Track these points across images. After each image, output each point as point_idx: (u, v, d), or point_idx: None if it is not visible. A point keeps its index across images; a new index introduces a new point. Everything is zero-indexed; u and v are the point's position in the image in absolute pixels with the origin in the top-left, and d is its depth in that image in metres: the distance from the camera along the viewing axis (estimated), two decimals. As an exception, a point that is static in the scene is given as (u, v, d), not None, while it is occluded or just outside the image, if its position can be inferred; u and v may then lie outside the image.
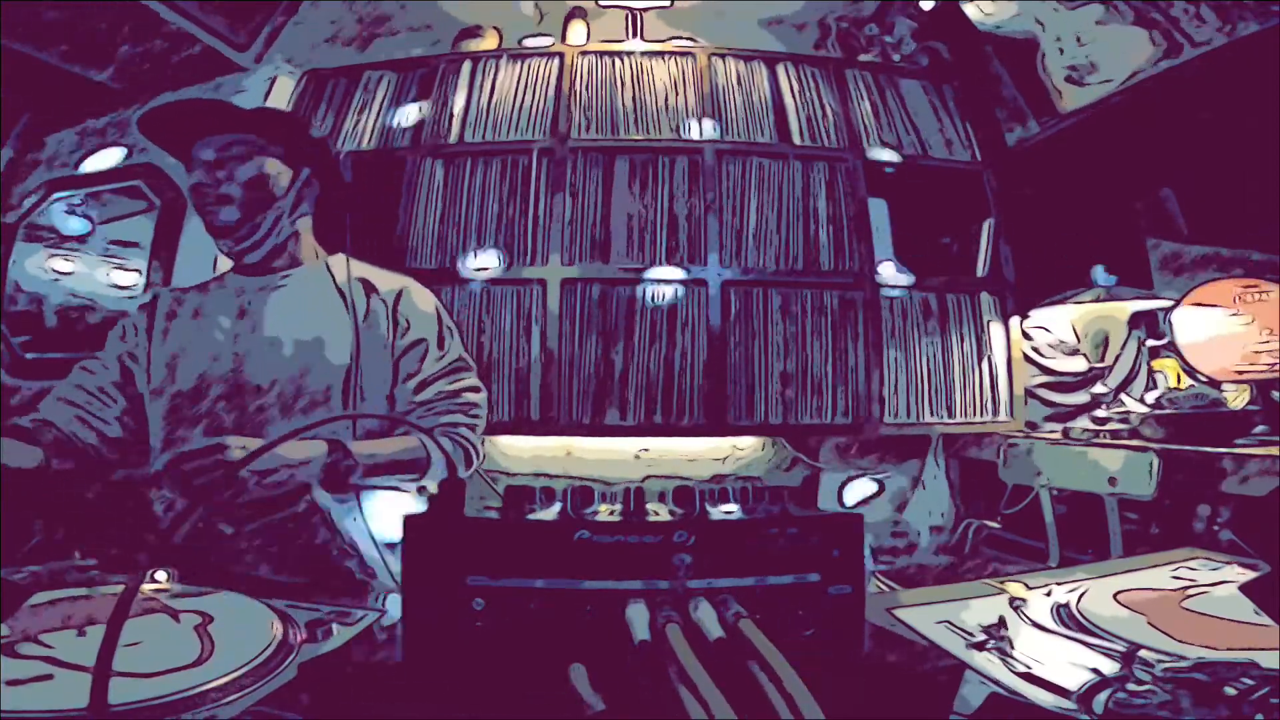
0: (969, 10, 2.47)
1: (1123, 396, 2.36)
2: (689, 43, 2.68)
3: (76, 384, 1.16)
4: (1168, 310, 2.20)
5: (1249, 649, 0.62)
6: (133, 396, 1.16)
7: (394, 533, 1.03)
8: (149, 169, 2.52)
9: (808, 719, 0.40)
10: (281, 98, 2.57)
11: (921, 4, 2.61)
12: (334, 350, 1.15)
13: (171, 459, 0.94)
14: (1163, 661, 0.61)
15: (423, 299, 1.25)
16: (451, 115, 2.48)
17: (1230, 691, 0.55)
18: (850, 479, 2.41)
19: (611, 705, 0.44)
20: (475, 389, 1.23)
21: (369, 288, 1.21)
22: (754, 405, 2.31)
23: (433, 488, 1.18)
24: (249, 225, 1.16)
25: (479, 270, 2.32)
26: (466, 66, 2.57)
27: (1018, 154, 2.57)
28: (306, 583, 1.05)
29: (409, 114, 2.50)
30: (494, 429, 2.32)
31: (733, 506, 0.63)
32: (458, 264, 2.34)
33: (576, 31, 2.74)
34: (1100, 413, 2.33)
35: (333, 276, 1.21)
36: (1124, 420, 2.21)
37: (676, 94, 2.51)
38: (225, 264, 1.28)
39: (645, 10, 2.73)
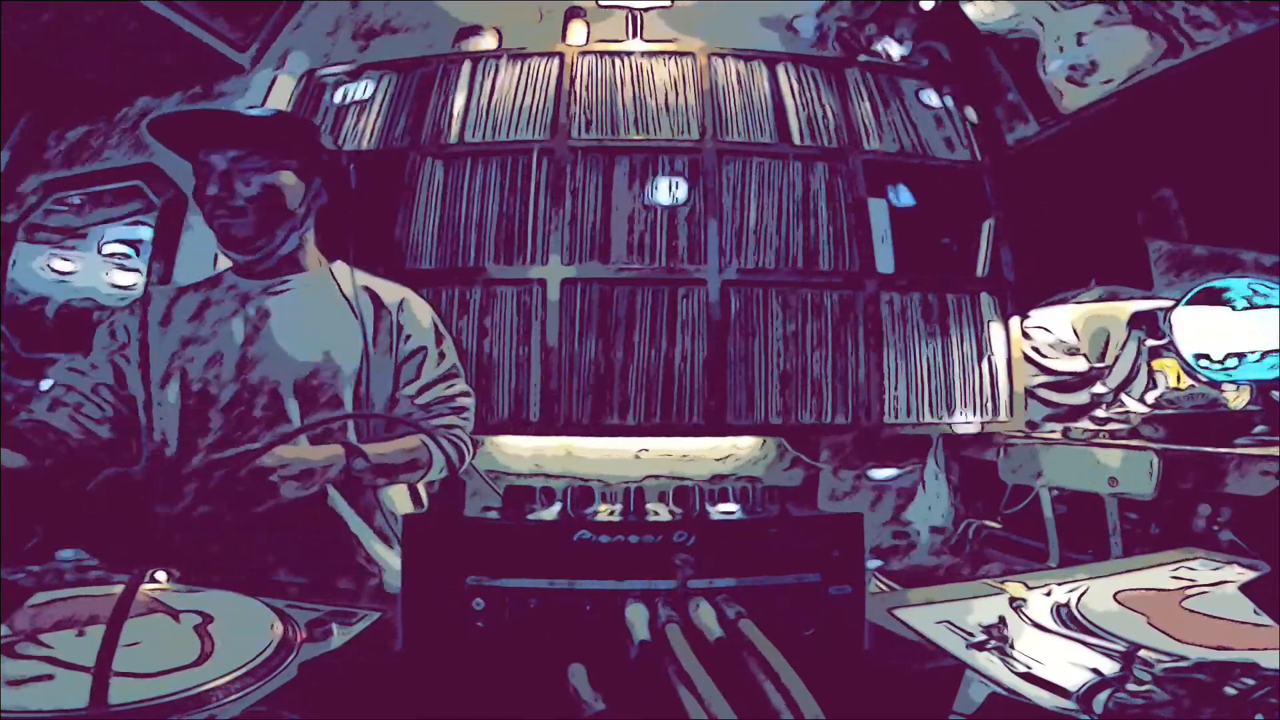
0: (969, 10, 2.47)
1: (1123, 396, 2.36)
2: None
3: (66, 384, 1.15)
4: (1168, 310, 2.20)
5: (1249, 649, 0.62)
6: (125, 397, 1.16)
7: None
8: (149, 169, 2.52)
9: (808, 719, 0.40)
10: (281, 98, 2.57)
11: (921, 4, 2.61)
12: (344, 356, 1.17)
13: (201, 468, 0.94)
14: (1163, 661, 0.61)
15: (421, 310, 1.28)
16: (451, 115, 2.48)
17: (1230, 691, 0.55)
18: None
19: (611, 705, 0.44)
20: (466, 394, 1.28)
21: (374, 297, 1.24)
22: (754, 405, 2.31)
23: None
24: (263, 238, 1.17)
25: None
26: (466, 66, 2.57)
27: (1018, 154, 2.57)
28: (311, 582, 1.06)
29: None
30: (494, 429, 2.33)
31: (733, 506, 0.63)
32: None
33: (576, 31, 2.74)
34: (1100, 413, 2.33)
35: (338, 284, 1.23)
36: (1124, 420, 2.21)
37: (676, 94, 2.51)
38: (225, 262, 1.28)
39: (645, 10, 2.73)
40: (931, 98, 2.59)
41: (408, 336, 1.23)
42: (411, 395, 1.22)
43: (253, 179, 1.14)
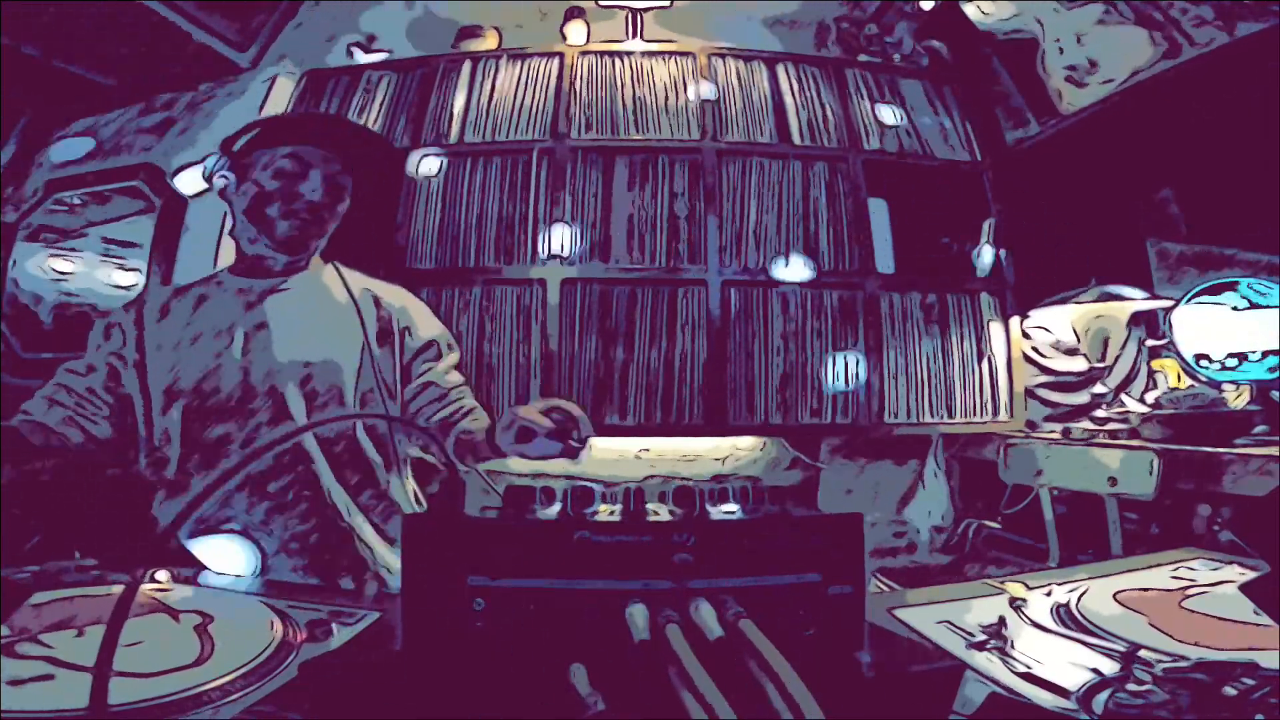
0: (969, 10, 2.47)
1: (1123, 396, 2.36)
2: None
3: (63, 385, 1.15)
4: (1168, 310, 2.20)
5: (1249, 649, 0.62)
6: (122, 397, 1.15)
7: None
8: (149, 169, 2.52)
9: (808, 719, 0.40)
10: (281, 99, 2.57)
11: (921, 4, 2.61)
12: (345, 355, 1.18)
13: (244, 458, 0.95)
14: (1163, 661, 0.61)
15: (422, 311, 1.31)
16: (451, 115, 2.48)
17: (1230, 691, 0.55)
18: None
19: (611, 705, 0.44)
20: (464, 383, 1.30)
21: (375, 299, 1.25)
22: (754, 405, 2.31)
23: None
24: (315, 245, 1.20)
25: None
26: (466, 66, 2.57)
27: (1018, 154, 2.57)
28: (314, 583, 1.06)
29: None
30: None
31: (733, 506, 0.63)
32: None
33: (576, 31, 2.74)
34: (1100, 413, 2.33)
35: (340, 285, 1.24)
36: (1124, 420, 2.20)
37: (676, 94, 2.51)
38: (224, 261, 1.29)
39: (645, 10, 2.73)
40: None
41: (414, 337, 1.25)
42: (425, 386, 1.23)
43: (341, 192, 1.19)
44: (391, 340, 1.22)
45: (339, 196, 1.19)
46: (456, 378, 1.28)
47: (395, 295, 1.28)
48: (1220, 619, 0.73)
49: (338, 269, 1.27)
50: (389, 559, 1.14)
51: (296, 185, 1.16)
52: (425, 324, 1.28)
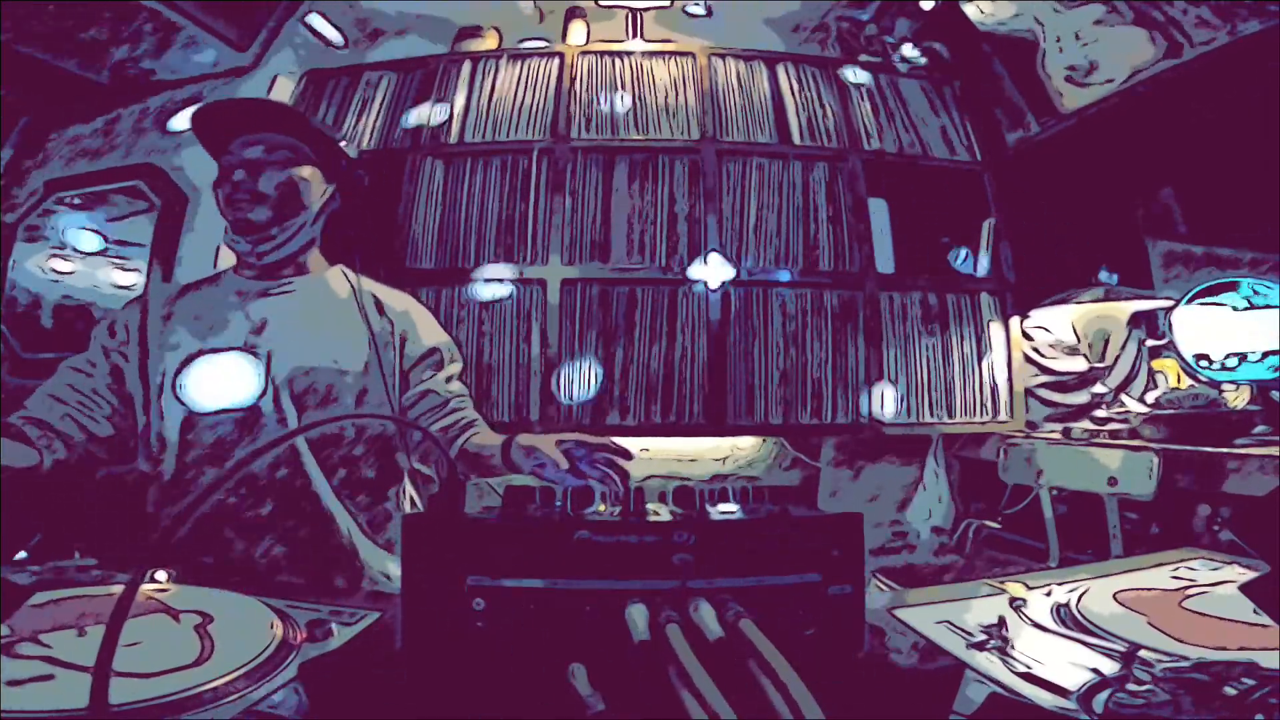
0: (969, 10, 2.47)
1: (1123, 396, 2.36)
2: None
3: (65, 382, 1.15)
4: (1168, 310, 2.20)
5: (1249, 649, 0.62)
6: (124, 396, 1.15)
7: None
8: (149, 169, 2.52)
9: (808, 719, 0.40)
10: (281, 99, 2.57)
11: (921, 4, 2.61)
12: (346, 358, 1.18)
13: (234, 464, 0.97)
14: (1163, 661, 0.61)
15: (425, 318, 1.30)
16: (451, 115, 2.48)
17: (1230, 691, 0.55)
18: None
19: (611, 705, 0.44)
20: (466, 394, 1.31)
21: (379, 303, 1.25)
22: (754, 405, 2.31)
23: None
24: (276, 228, 1.18)
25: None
26: (466, 66, 2.57)
27: (1018, 154, 2.57)
28: (311, 582, 1.06)
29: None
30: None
31: (733, 506, 0.63)
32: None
33: (576, 31, 2.74)
34: (1100, 413, 2.33)
35: (347, 288, 1.24)
36: (1124, 420, 2.21)
37: (676, 94, 2.51)
38: (225, 261, 1.28)
39: (645, 10, 2.73)
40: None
41: (417, 342, 1.24)
42: (424, 392, 1.23)
43: (279, 170, 1.17)
44: (392, 346, 1.22)
45: (257, 171, 1.17)
46: (457, 387, 1.27)
47: (398, 300, 1.28)
48: (1220, 619, 0.73)
49: (345, 273, 1.27)
50: (386, 566, 1.14)
51: (228, 174, 1.17)
52: (427, 331, 1.27)
